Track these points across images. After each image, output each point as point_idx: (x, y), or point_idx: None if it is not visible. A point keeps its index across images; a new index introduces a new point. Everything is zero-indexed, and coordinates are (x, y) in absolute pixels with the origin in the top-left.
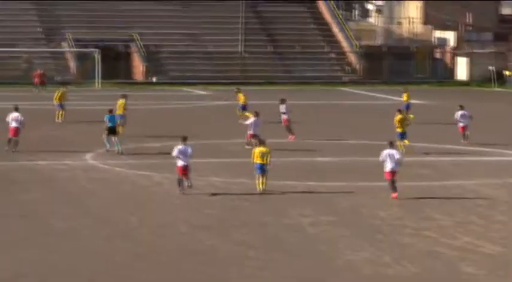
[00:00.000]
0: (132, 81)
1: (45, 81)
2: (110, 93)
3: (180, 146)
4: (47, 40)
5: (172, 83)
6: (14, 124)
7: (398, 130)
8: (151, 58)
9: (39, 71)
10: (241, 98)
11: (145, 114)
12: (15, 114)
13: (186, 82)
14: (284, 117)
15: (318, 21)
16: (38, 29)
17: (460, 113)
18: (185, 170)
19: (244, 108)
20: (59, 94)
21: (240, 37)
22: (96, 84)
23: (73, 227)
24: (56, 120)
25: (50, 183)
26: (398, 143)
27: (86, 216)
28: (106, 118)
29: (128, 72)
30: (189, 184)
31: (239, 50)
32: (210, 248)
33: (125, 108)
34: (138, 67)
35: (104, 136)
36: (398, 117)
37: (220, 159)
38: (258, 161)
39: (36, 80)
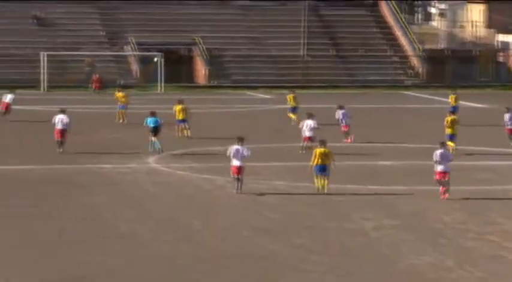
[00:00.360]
0: (195, 85)
1: (102, 86)
2: (172, 96)
3: (235, 147)
4: (110, 44)
5: (234, 87)
6: (59, 126)
7: (449, 131)
8: (214, 62)
9: (96, 76)
10: (290, 100)
11: (208, 117)
12: (60, 116)
13: (248, 86)
14: (344, 123)
15: (380, 25)
16: (101, 33)
17: (508, 115)
18: (239, 170)
19: (294, 110)
20: (122, 95)
21: (302, 41)
22: (159, 87)
23: (136, 230)
24: (117, 121)
25: (113, 187)
26: (448, 144)
27: (148, 220)
28: (147, 120)
29: (190, 76)
30: (239, 187)
31: (301, 53)
32: (272, 252)
33: (186, 112)
34: (201, 71)
35: (151, 138)
36: (450, 118)
37: (282, 162)
38: (319, 162)
39: (94, 84)
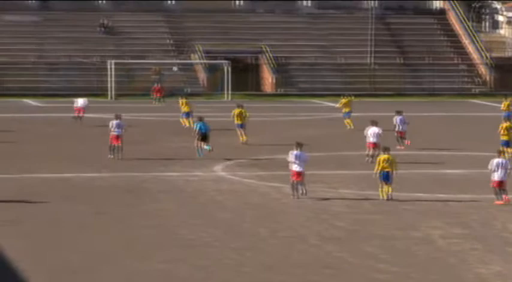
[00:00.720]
0: (261, 93)
1: (163, 94)
2: None
3: (294, 152)
4: (177, 52)
5: (300, 95)
6: (115, 131)
7: (504, 138)
8: (281, 70)
9: (157, 86)
10: (342, 104)
11: (274, 126)
12: (116, 122)
13: (314, 94)
14: (399, 129)
15: (447, 33)
16: (168, 41)
17: None
18: (299, 175)
19: (348, 114)
20: (184, 102)
21: (369, 49)
22: (226, 95)
23: (202, 238)
24: (183, 125)
25: (180, 194)
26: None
27: (215, 228)
28: (196, 125)
29: (257, 84)
30: (304, 192)
31: (368, 61)
32: (339, 261)
33: (244, 117)
34: (267, 79)
35: (196, 143)
36: (505, 125)
37: (350, 170)
38: (382, 169)
39: (156, 93)
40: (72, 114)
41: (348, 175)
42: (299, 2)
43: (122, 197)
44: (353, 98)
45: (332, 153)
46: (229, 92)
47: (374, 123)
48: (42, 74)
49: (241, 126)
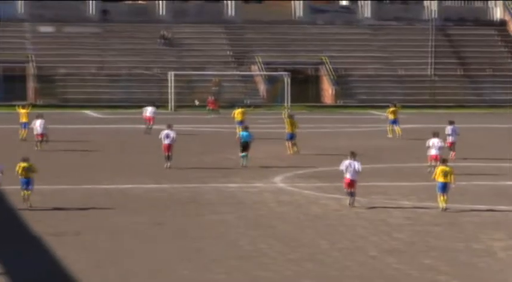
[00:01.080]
0: (321, 104)
1: (217, 106)
2: (298, 116)
3: (348, 161)
4: (237, 63)
5: (360, 106)
6: (166, 141)
7: None
8: (340, 81)
9: (212, 98)
10: (389, 112)
11: (334, 137)
12: (167, 131)
13: (374, 105)
14: (450, 139)
15: (508, 44)
16: (228, 53)
17: None
18: (351, 184)
19: (394, 122)
20: (238, 112)
21: (429, 60)
22: (285, 107)
23: (261, 249)
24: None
25: (239, 206)
26: None
27: (274, 239)
28: (240, 134)
29: (317, 95)
30: (351, 202)
31: (429, 73)
32: (400, 273)
33: (295, 126)
34: (327, 90)
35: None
36: None
37: (410, 182)
38: (440, 179)
39: (210, 105)
40: (142, 125)
41: (408, 186)
42: (359, 13)
43: (182, 208)
44: (399, 107)
45: (392, 165)
46: (289, 103)
47: (436, 134)
48: (103, 85)
49: (291, 136)
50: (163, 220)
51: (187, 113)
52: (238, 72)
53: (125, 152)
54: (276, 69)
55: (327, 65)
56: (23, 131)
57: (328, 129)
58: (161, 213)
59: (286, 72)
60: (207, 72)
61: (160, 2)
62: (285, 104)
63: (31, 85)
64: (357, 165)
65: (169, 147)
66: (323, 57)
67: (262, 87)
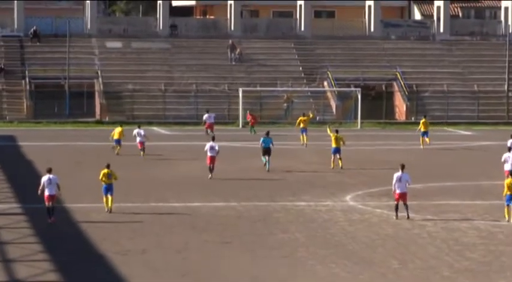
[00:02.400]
0: (394, 121)
1: (256, 121)
2: (369, 133)
3: (398, 174)
4: (307, 79)
5: (433, 123)
6: (210, 153)
7: None
8: (413, 97)
9: (250, 114)
10: (422, 124)
11: (407, 154)
12: (211, 144)
13: (447, 122)
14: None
15: None
16: (299, 69)
17: None
18: (402, 197)
19: (425, 134)
20: (303, 120)
21: (506, 76)
22: (358, 124)
23: (332, 268)
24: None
25: (309, 224)
26: None
27: (344, 258)
28: (261, 140)
29: (389, 112)
30: (407, 215)
31: (505, 88)
32: None
33: (342, 142)
34: (400, 106)
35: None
36: None
37: (485, 201)
38: (508, 192)
39: (250, 121)
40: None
41: (482, 205)
42: (433, 28)
43: (250, 227)
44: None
45: (467, 183)
46: (360, 120)
47: (510, 149)
48: (171, 101)
49: (336, 150)
50: (230, 239)
51: (257, 129)
52: (309, 88)
53: (193, 169)
54: (347, 85)
55: (399, 81)
56: (118, 147)
57: (401, 147)
58: (229, 232)
59: (357, 89)
60: (277, 88)
61: (230, 17)
62: (357, 121)
63: (98, 101)
64: (406, 177)
65: (212, 159)
66: (396, 73)
67: (333, 104)
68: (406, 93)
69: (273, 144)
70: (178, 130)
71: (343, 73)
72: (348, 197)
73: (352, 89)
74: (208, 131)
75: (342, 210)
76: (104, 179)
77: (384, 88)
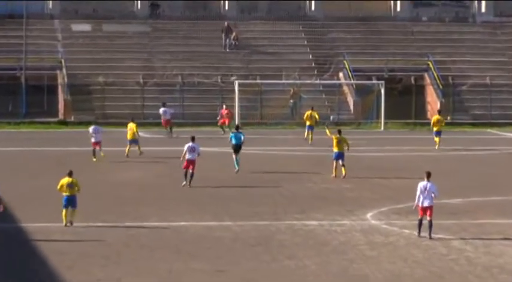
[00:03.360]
0: (424, 121)
1: (230, 121)
2: (395, 136)
3: (423, 183)
4: (319, 70)
5: (474, 124)
6: (188, 156)
7: None
8: (449, 92)
9: (227, 109)
10: (435, 121)
11: (440, 162)
12: (191, 145)
13: (491, 122)
14: None
15: None
16: (309, 57)
17: None
18: (426, 211)
19: (438, 134)
20: (310, 114)
21: None
22: (381, 124)
23: None
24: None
25: (321, 248)
26: None
27: None
28: (231, 136)
29: (420, 110)
30: (430, 235)
31: None
32: None
33: (347, 145)
34: (433, 103)
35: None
36: None
37: None
38: None
39: (224, 119)
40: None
41: None
42: (474, 8)
43: (249, 252)
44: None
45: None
46: (384, 119)
47: None
48: (151, 97)
49: (339, 155)
50: (225, 266)
51: (253, 130)
52: (321, 81)
53: (176, 180)
54: (368, 77)
55: (432, 72)
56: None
57: (434, 153)
58: (223, 258)
59: (380, 82)
60: (281, 80)
61: None
62: (380, 121)
63: (61, 97)
64: (433, 187)
65: (191, 162)
66: (428, 62)
67: (350, 100)
68: (440, 86)
69: (243, 140)
70: (160, 132)
71: (362, 62)
72: (369, 215)
73: (374, 81)
74: (168, 128)
75: (361, 230)
76: (64, 189)
77: (412, 81)
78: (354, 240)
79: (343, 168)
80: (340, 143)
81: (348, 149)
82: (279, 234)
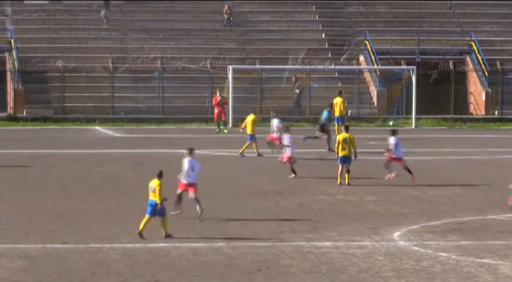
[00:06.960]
0: (465, 117)
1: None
2: (430, 134)
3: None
4: (334, 52)
5: None
6: (185, 179)
7: None
8: (497, 80)
9: (221, 96)
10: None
11: (485, 167)
12: (190, 161)
13: None
14: None
15: None
16: (322, 35)
17: None
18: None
19: None
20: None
21: None
22: (412, 121)
23: None
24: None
25: (337, 276)
26: None
27: None
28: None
29: (461, 102)
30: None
31: None
32: None
33: (354, 147)
34: (477, 94)
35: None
36: None
37: None
38: None
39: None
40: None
41: None
42: None
43: (247, 280)
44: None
45: None
46: (416, 115)
47: None
48: (123, 86)
49: (344, 160)
50: None
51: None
52: (336, 67)
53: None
54: (396, 62)
55: (475, 55)
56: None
57: (479, 156)
58: None
59: (411, 67)
60: (287, 66)
61: None
62: (410, 116)
63: (11, 87)
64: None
65: (193, 186)
66: (471, 42)
67: (372, 90)
68: (486, 73)
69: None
70: (133, 131)
71: (388, 43)
72: (396, 234)
73: (403, 66)
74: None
75: (387, 254)
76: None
77: (451, 66)
78: (377, 265)
79: (347, 175)
80: (345, 143)
81: (355, 156)
82: (283, 258)
